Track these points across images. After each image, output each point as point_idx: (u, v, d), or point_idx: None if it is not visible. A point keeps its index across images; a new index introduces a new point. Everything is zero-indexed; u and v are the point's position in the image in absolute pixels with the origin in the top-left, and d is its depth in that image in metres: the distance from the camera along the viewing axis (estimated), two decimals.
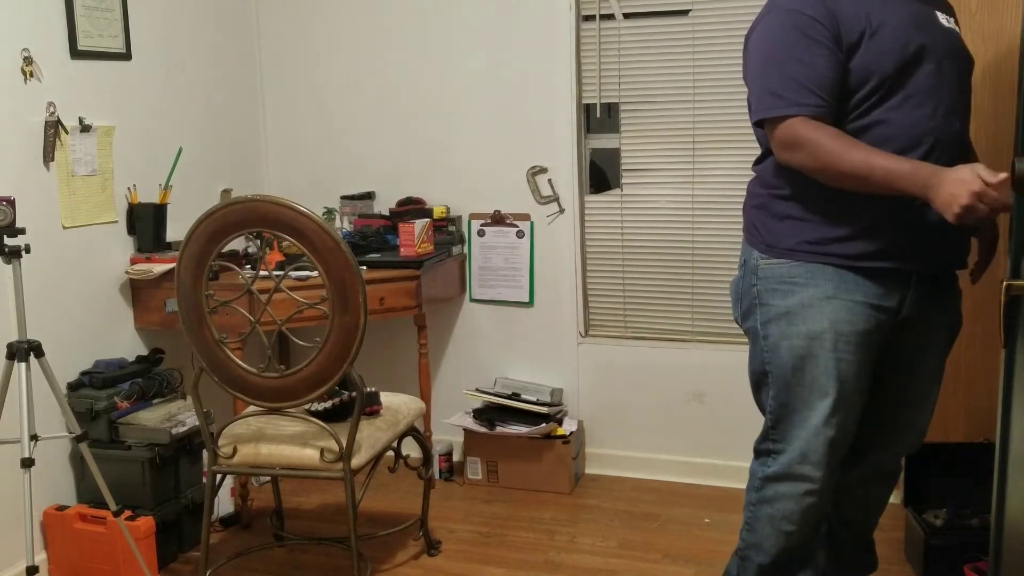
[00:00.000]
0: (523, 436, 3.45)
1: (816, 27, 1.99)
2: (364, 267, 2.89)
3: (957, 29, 2.14)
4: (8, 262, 2.42)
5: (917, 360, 2.24)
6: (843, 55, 2.00)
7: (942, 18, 2.12)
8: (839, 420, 2.11)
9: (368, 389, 2.61)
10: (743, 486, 3.46)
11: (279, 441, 2.61)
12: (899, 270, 2.07)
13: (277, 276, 2.56)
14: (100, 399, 2.90)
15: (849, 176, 1.95)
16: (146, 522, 2.81)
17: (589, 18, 3.48)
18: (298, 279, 2.87)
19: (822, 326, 2.07)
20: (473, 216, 3.69)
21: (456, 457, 3.73)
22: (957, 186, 1.85)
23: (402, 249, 3.37)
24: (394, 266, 3.30)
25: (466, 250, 3.72)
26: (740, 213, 3.35)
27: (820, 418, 2.12)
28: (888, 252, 2.05)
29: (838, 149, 1.95)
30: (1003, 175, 1.87)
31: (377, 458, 2.74)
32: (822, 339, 2.08)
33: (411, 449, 3.12)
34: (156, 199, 3.28)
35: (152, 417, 2.96)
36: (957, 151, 2.06)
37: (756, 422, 3.45)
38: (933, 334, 2.21)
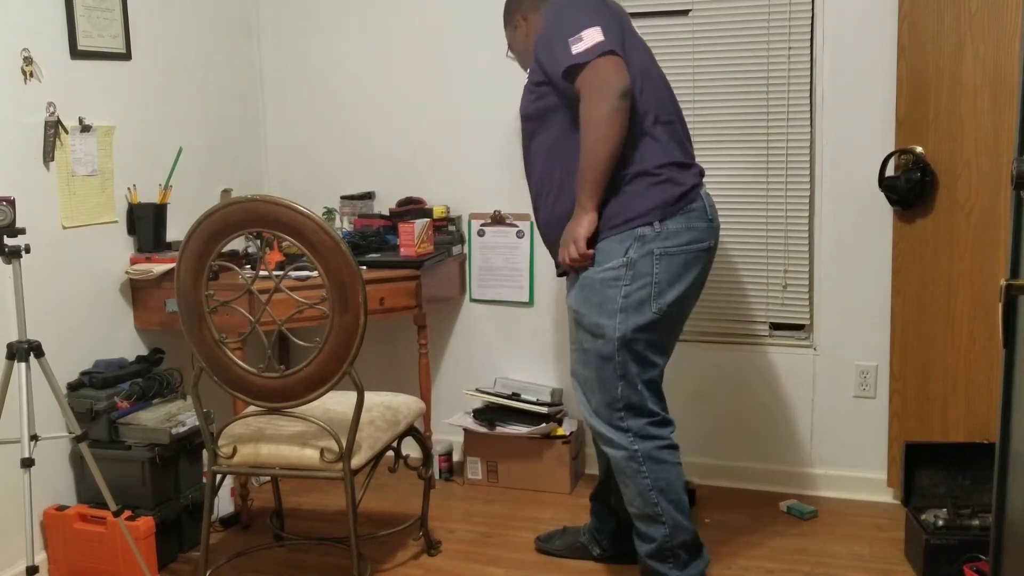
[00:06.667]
0: (523, 436, 3.45)
1: None
2: (364, 267, 2.89)
3: (527, 79, 2.63)
4: (8, 262, 2.41)
5: None
6: None
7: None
8: None
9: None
10: (743, 486, 3.48)
11: (279, 441, 2.61)
12: None
13: (277, 276, 2.56)
14: (100, 399, 2.90)
15: None
16: (146, 522, 2.81)
17: None
18: (298, 279, 2.87)
19: None
20: (473, 216, 3.69)
21: (456, 457, 3.73)
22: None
23: (402, 249, 3.37)
24: (394, 266, 3.30)
25: (466, 250, 3.72)
26: (740, 213, 3.38)
27: None
28: None
29: None
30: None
31: (377, 458, 2.74)
32: None
33: (411, 449, 3.12)
34: (156, 199, 3.28)
35: (152, 417, 2.96)
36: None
37: (755, 422, 3.46)
38: None
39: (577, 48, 2.35)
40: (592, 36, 2.35)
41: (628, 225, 2.45)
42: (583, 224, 2.43)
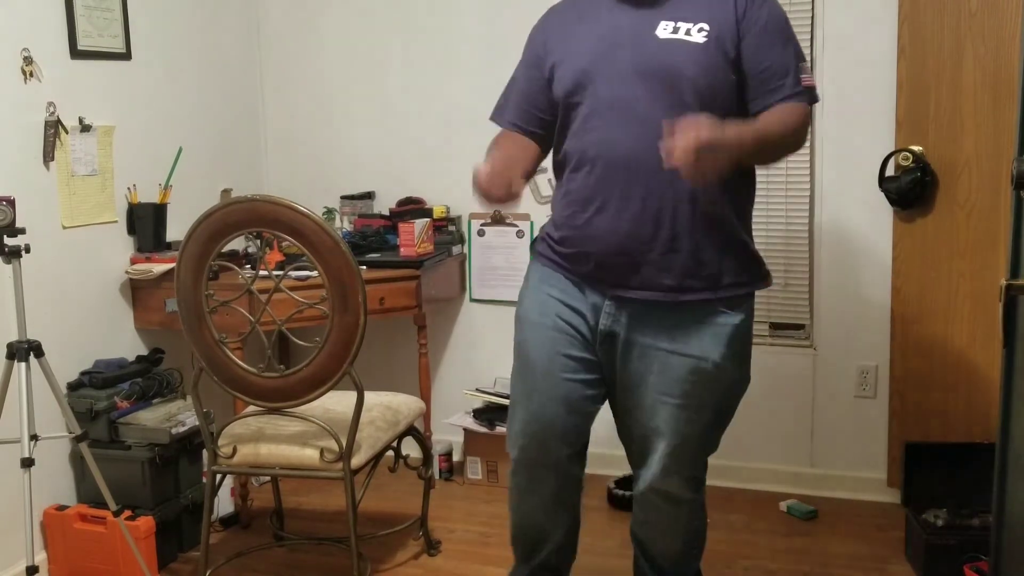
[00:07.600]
0: None
1: (527, 48, 2.30)
2: (364, 267, 2.89)
3: (686, 38, 2.02)
4: (8, 262, 2.41)
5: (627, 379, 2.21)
6: (542, 79, 2.24)
7: (664, 28, 2.03)
8: None
9: None
10: (743, 486, 3.48)
11: (279, 441, 2.61)
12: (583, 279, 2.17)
13: (277, 276, 2.56)
14: (100, 399, 2.90)
15: None
16: (146, 522, 2.81)
17: None
18: (298, 279, 2.87)
19: None
20: (473, 216, 3.69)
21: (456, 457, 3.73)
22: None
23: (402, 249, 3.37)
24: (394, 266, 3.30)
25: (466, 250, 3.72)
26: None
27: None
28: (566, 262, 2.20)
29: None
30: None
31: (377, 458, 2.74)
32: None
33: (411, 449, 3.12)
34: (156, 199, 3.28)
35: (152, 417, 2.96)
36: (627, 169, 2.04)
37: (755, 422, 3.46)
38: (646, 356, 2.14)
39: (807, 81, 2.09)
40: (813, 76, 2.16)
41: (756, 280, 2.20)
42: (723, 135, 1.83)
